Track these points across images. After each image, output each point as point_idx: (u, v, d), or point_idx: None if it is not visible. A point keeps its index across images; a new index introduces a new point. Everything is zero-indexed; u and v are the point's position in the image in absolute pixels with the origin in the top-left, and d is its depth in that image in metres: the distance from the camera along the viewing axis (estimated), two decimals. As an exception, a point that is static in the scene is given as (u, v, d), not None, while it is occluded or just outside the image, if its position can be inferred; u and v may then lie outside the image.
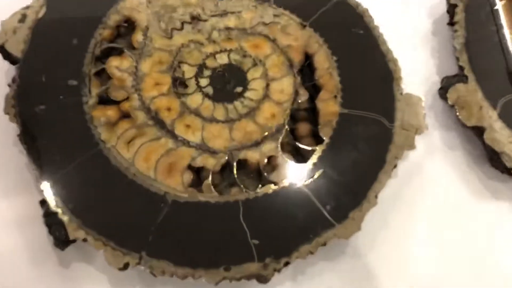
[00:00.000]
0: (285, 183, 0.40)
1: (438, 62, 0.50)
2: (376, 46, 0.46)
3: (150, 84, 0.43)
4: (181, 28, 0.45)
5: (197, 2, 0.47)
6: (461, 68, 0.46)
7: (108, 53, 0.45)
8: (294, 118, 0.43)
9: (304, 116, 0.44)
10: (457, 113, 0.44)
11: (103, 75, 0.44)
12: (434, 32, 0.52)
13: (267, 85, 0.44)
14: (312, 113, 0.44)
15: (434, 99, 0.48)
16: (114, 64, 0.44)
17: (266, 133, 0.42)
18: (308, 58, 0.45)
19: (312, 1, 0.47)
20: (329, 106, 0.43)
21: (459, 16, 0.47)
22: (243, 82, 0.44)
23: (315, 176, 0.40)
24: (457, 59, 0.46)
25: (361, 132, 0.42)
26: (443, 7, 0.51)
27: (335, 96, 0.43)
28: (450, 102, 0.45)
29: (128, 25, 0.46)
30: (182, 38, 0.45)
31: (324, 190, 0.40)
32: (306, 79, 0.45)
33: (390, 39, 0.46)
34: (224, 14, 0.46)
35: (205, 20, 0.46)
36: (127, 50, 0.44)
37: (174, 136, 0.41)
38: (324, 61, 0.45)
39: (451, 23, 0.49)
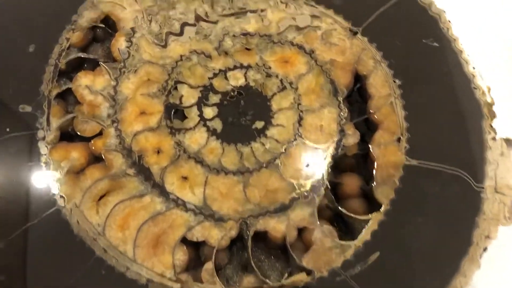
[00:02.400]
0: (324, 271, 0.27)
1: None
2: (457, 66, 0.32)
3: (133, 113, 0.30)
4: (180, 33, 0.32)
5: (205, -5, 0.33)
6: None
7: (77, 65, 0.32)
8: (337, 168, 0.30)
9: (351, 166, 0.31)
10: None
11: (68, 98, 0.31)
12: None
13: (300, 120, 0.31)
14: (363, 162, 0.31)
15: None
16: (84, 82, 0.31)
17: (297, 193, 0.29)
18: (358, 81, 0.32)
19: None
20: (389, 154, 0.30)
21: None
22: (266, 114, 0.31)
23: (368, 262, 0.27)
24: None
25: (435, 196, 0.29)
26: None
27: (398, 139, 0.30)
28: None
29: (107, 27, 0.33)
30: (181, 47, 0.32)
31: (380, 285, 0.27)
32: (355, 111, 0.32)
33: (476, 57, 0.32)
34: (241, 13, 0.33)
35: (215, 22, 0.33)
36: (104, 63, 0.31)
37: (163, 192, 0.29)
38: (382, 86, 0.31)
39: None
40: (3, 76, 0.31)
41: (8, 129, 0.30)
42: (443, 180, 0.29)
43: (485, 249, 0.28)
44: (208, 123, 0.30)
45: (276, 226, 0.28)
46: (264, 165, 0.29)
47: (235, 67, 0.32)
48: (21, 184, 0.29)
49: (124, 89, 0.31)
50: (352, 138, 0.30)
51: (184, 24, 0.32)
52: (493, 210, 0.29)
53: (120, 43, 0.32)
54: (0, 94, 0.30)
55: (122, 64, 0.31)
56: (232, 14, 0.33)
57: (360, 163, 0.31)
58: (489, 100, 0.31)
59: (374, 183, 0.29)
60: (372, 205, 0.29)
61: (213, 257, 0.27)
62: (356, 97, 0.32)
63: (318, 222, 0.28)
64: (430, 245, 0.28)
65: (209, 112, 0.31)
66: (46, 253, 0.28)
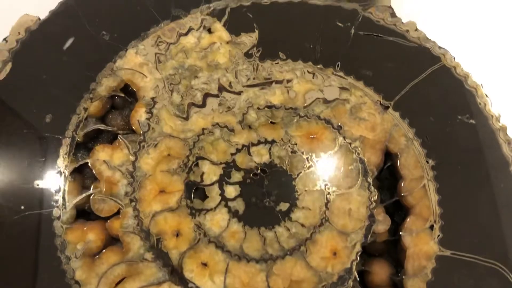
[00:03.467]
0: None
1: None
2: (494, 147, 0.30)
3: (152, 191, 0.29)
4: (203, 104, 0.31)
5: (229, 64, 0.32)
6: None
7: (95, 135, 0.31)
8: (366, 253, 0.29)
9: (381, 250, 0.29)
10: None
11: (84, 171, 0.30)
12: None
13: (327, 202, 0.29)
14: (394, 247, 0.29)
15: None
16: (102, 157, 0.30)
17: (323, 285, 0.27)
18: (389, 158, 0.31)
19: (399, 66, 0.32)
20: (422, 243, 0.28)
21: None
22: (291, 195, 0.29)
23: None
24: None
25: (471, 291, 0.27)
26: None
27: (431, 227, 0.28)
28: None
29: (126, 94, 0.32)
30: (204, 120, 0.31)
31: None
32: (385, 190, 0.30)
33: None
34: (266, 83, 0.32)
35: (238, 93, 0.31)
36: (123, 136, 0.30)
37: (182, 280, 0.27)
38: (414, 167, 0.30)
39: None
40: (18, 149, 0.30)
41: (22, 207, 0.29)
42: (478, 273, 0.28)
43: None
44: (230, 203, 0.29)
45: (301, 321, 0.27)
46: (289, 252, 0.28)
47: (259, 142, 0.30)
48: (34, 266, 0.28)
49: (144, 164, 0.29)
50: (383, 224, 0.29)
51: (206, 95, 0.31)
52: (533, 309, 0.27)
53: (140, 115, 0.30)
54: (15, 170, 0.29)
55: (141, 137, 0.30)
56: (256, 85, 0.31)
57: (391, 247, 0.29)
58: (529, 185, 0.29)
59: (406, 274, 0.27)
60: (403, 299, 0.27)
61: None
62: (386, 175, 0.31)
63: (345, 318, 0.27)
64: None
65: (231, 191, 0.29)
66: None
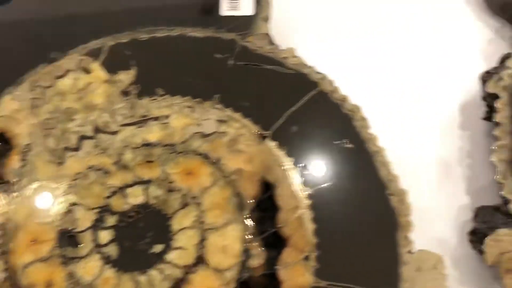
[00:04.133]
0: None
1: (468, 189, 0.34)
2: (372, 172, 0.30)
3: (24, 242, 0.29)
4: (78, 147, 0.31)
5: (105, 103, 0.31)
6: (505, 200, 0.30)
7: (-30, 188, 0.30)
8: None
9: (262, 284, 0.29)
10: (502, 279, 0.29)
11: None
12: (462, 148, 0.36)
13: (202, 240, 0.29)
14: (275, 281, 0.29)
15: (462, 254, 0.32)
16: (-27, 209, 0.29)
17: (196, 327, 0.27)
18: (268, 189, 0.30)
19: (277, 95, 0.32)
20: (297, 275, 0.28)
21: (502, 114, 0.31)
22: (166, 235, 0.29)
23: None
24: (500, 185, 0.30)
25: (347, 322, 0.27)
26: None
27: (307, 257, 0.28)
28: (488, 262, 0.29)
29: (3, 143, 0.31)
30: (79, 164, 0.30)
31: None
32: (268, 224, 0.30)
33: (395, 158, 0.30)
34: (143, 121, 0.31)
35: (115, 133, 0.31)
36: (-4, 186, 0.30)
37: (52, 334, 0.27)
38: (291, 197, 0.29)
39: (488, 119, 0.33)
40: None
41: None
42: (355, 302, 0.27)
43: None
44: (103, 249, 0.28)
45: None
46: (163, 295, 0.27)
47: (135, 183, 0.30)
48: None
49: (16, 215, 0.29)
50: (258, 259, 0.28)
51: (82, 138, 0.31)
52: (409, 336, 0.27)
53: (14, 162, 0.30)
54: None
55: (15, 186, 0.30)
56: (133, 123, 0.31)
57: (272, 281, 0.29)
58: (406, 208, 0.29)
59: (281, 309, 0.27)
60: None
61: None
62: (268, 205, 0.30)
63: None
64: None
65: (104, 236, 0.29)
66: None
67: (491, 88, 0.31)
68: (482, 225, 0.30)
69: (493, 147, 0.30)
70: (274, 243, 0.29)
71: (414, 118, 0.36)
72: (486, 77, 0.32)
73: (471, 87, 0.35)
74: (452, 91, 0.37)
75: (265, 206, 0.30)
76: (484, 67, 0.34)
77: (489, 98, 0.32)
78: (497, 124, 0.30)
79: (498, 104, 0.31)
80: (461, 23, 0.39)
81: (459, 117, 0.36)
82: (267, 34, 0.33)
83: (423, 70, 0.38)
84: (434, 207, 0.33)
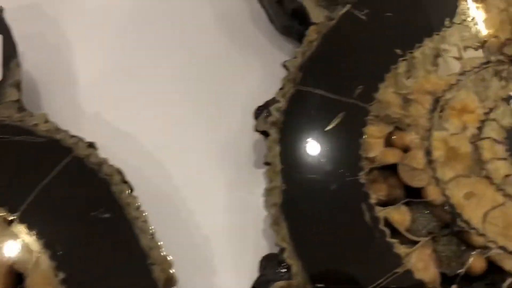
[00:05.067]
0: None
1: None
2: (131, 239, 0.27)
3: None
4: None
5: None
6: (280, 249, 0.27)
7: None
8: None
9: None
10: None
11: None
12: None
13: None
14: None
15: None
16: None
17: None
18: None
19: (27, 169, 0.28)
20: None
21: (272, 153, 0.29)
22: None
23: None
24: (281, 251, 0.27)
25: None
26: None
27: None
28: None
29: None
30: None
31: None
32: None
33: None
34: None
35: None
36: None
37: None
38: (44, 285, 0.26)
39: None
40: None
41: None
42: None
43: None
44: None
45: None
46: None
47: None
48: None
49: None
50: None
51: None
52: None
53: None
54: None
55: None
56: None
57: None
58: (170, 277, 0.26)
59: None
60: None
61: None
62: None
63: None
64: None
65: None
66: None
67: (259, 126, 0.29)
68: (262, 277, 0.27)
69: (265, 191, 0.28)
70: None
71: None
72: (258, 113, 0.30)
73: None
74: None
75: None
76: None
77: (263, 136, 0.30)
78: (267, 164, 0.28)
79: (267, 143, 0.29)
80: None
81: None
82: (17, 101, 0.30)
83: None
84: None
